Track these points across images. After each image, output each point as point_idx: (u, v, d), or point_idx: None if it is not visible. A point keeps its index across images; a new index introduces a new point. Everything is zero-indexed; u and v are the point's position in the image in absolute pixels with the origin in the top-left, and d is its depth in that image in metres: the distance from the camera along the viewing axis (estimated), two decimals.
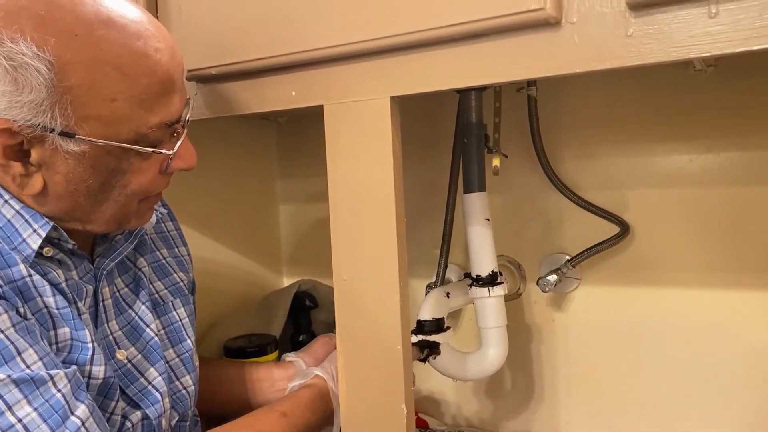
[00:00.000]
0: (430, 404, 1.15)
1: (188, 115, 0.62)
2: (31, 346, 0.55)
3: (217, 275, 1.16)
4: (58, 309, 0.60)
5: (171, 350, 0.74)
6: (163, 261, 0.78)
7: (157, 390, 0.69)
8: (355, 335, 0.68)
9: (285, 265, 1.33)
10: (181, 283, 0.79)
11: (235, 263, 1.22)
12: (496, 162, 0.98)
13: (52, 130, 0.54)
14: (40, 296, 0.59)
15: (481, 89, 0.88)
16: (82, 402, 0.57)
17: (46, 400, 0.54)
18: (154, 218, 0.74)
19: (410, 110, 0.70)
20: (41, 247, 0.60)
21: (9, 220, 0.59)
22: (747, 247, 0.90)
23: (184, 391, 0.74)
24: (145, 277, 0.74)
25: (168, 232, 0.82)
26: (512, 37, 0.55)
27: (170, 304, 0.76)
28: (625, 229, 0.94)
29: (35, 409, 0.53)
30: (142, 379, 0.69)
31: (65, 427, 0.54)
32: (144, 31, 0.57)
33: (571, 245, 1.00)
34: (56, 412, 0.54)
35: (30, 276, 0.59)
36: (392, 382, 0.66)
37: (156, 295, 0.75)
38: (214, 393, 0.87)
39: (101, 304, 0.67)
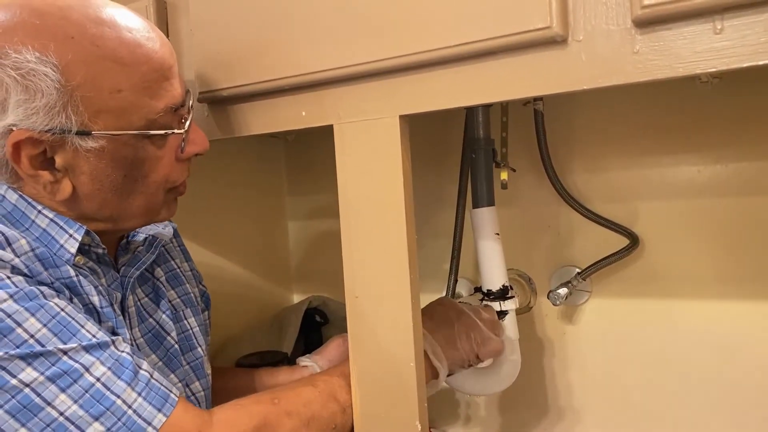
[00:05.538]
0: (443, 419, 1.15)
1: (191, 103, 0.66)
2: (88, 320, 0.60)
3: (228, 292, 1.16)
4: (101, 308, 0.64)
5: (182, 357, 0.76)
6: (177, 270, 0.81)
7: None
8: (367, 352, 0.68)
9: (294, 282, 1.34)
10: (190, 294, 0.81)
11: (245, 280, 1.22)
12: (504, 176, 0.98)
13: (69, 131, 0.58)
14: (86, 294, 0.63)
15: (488, 105, 0.89)
16: (143, 359, 0.62)
17: (116, 360, 0.59)
18: (171, 229, 0.77)
19: (418, 126, 0.71)
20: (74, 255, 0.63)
21: (44, 229, 0.62)
22: (757, 257, 0.89)
23: (193, 398, 0.76)
24: (164, 287, 0.77)
25: (175, 248, 0.84)
26: (520, 55, 0.56)
27: (182, 312, 0.79)
28: (634, 241, 0.95)
29: (109, 368, 0.58)
30: None
31: (138, 380, 0.59)
32: (132, 24, 0.61)
33: (581, 258, 1.00)
34: (127, 368, 0.59)
35: (77, 276, 0.62)
36: (406, 399, 0.66)
37: (171, 304, 0.77)
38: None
39: (127, 311, 0.70)
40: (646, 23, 0.51)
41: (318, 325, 1.19)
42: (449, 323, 0.80)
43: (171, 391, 0.61)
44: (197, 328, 0.79)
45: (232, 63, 0.71)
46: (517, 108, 0.98)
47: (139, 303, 0.73)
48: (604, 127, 0.98)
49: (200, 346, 0.78)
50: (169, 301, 0.77)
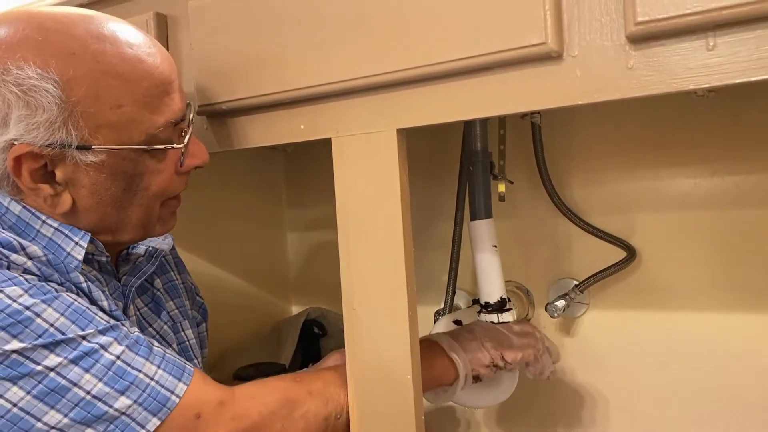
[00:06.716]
0: None
1: (191, 116, 0.67)
2: (99, 311, 0.62)
3: (226, 303, 1.16)
4: (111, 311, 0.65)
5: None
6: (176, 281, 0.82)
7: None
8: (364, 364, 0.68)
9: (293, 293, 1.34)
10: (186, 306, 0.82)
11: (244, 291, 1.23)
12: (502, 188, 0.99)
13: (70, 146, 0.59)
14: (96, 300, 0.64)
15: (485, 118, 0.89)
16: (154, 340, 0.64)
17: (131, 338, 0.61)
18: (171, 241, 0.78)
19: (416, 139, 0.72)
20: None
21: (50, 239, 0.63)
22: (754, 269, 0.90)
23: None
24: (163, 297, 0.77)
25: (172, 260, 0.85)
26: (516, 70, 0.56)
27: (179, 324, 0.79)
28: (632, 253, 0.95)
29: (126, 346, 0.60)
30: None
31: (154, 354, 0.61)
32: (134, 40, 0.62)
33: (579, 270, 1.00)
34: (142, 345, 0.61)
35: (86, 282, 0.63)
36: (402, 413, 0.66)
37: (170, 315, 0.78)
38: None
39: (128, 320, 0.70)
40: (640, 39, 0.51)
41: (316, 337, 1.19)
42: (470, 330, 0.80)
43: (186, 364, 0.63)
44: (194, 340, 0.80)
45: (231, 76, 0.71)
46: (515, 121, 0.99)
47: (138, 312, 0.74)
48: (602, 139, 0.99)
49: (196, 357, 0.79)
50: (168, 313, 0.78)
